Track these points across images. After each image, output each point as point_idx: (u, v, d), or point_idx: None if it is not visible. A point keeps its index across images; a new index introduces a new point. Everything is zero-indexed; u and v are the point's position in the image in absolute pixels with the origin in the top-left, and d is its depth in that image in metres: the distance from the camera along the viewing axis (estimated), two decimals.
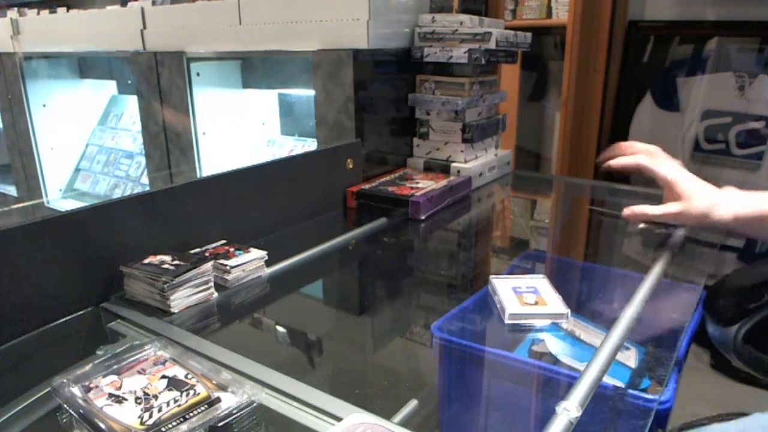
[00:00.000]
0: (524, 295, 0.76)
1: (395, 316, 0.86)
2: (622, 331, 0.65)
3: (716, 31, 2.00)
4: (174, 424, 0.50)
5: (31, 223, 0.71)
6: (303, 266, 0.95)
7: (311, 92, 1.35)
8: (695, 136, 2.04)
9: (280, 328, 0.81)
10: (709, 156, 1.99)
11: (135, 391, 0.54)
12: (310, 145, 1.79)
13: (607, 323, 0.70)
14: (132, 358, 0.60)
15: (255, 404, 0.53)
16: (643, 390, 0.62)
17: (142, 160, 2.14)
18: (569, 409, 0.50)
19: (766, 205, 0.86)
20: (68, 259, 0.75)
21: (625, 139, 2.20)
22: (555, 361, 0.67)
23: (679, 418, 0.71)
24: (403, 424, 0.55)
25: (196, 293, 0.77)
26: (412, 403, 0.59)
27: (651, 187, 1.45)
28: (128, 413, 0.51)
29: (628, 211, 1.01)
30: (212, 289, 0.80)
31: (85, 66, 2.33)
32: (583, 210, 1.40)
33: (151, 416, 0.50)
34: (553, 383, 0.61)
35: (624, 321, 0.68)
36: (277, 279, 0.89)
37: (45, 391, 0.58)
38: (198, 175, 1.74)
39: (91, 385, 0.55)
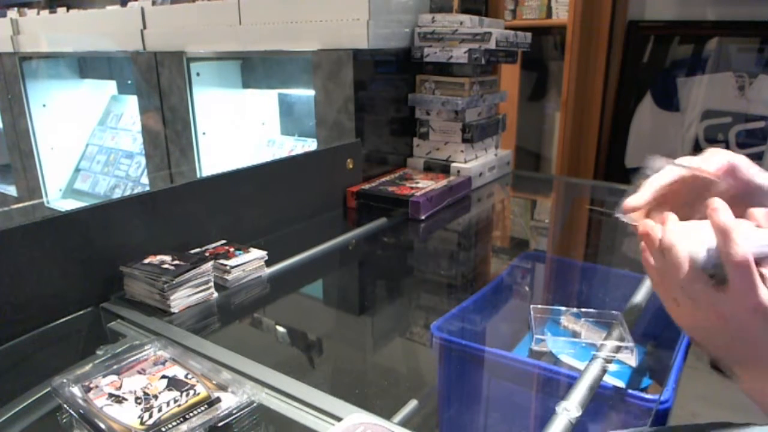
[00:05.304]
0: None
1: (395, 316, 0.86)
2: (621, 331, 0.65)
3: (716, 31, 2.00)
4: (174, 424, 0.50)
5: (31, 223, 0.71)
6: (303, 266, 0.95)
7: (311, 92, 1.35)
8: (695, 136, 2.04)
9: (280, 328, 0.81)
10: None
11: (135, 391, 0.54)
12: (310, 145, 1.79)
13: (607, 323, 0.71)
14: (132, 358, 0.60)
15: (255, 404, 0.53)
16: (643, 390, 0.62)
17: (142, 160, 2.14)
18: (569, 409, 0.50)
19: None
20: (68, 259, 0.75)
21: (625, 139, 2.20)
22: (555, 360, 0.67)
23: (679, 418, 0.71)
24: (403, 424, 0.56)
25: (196, 293, 0.77)
26: (412, 403, 0.59)
27: None
28: (128, 413, 0.51)
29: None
30: (212, 289, 0.80)
31: (85, 66, 2.33)
32: (582, 210, 1.40)
33: (151, 416, 0.50)
34: (553, 383, 0.61)
35: (624, 321, 0.68)
36: (277, 279, 0.89)
37: (45, 391, 0.58)
38: (198, 175, 1.74)
39: (91, 385, 0.55)
